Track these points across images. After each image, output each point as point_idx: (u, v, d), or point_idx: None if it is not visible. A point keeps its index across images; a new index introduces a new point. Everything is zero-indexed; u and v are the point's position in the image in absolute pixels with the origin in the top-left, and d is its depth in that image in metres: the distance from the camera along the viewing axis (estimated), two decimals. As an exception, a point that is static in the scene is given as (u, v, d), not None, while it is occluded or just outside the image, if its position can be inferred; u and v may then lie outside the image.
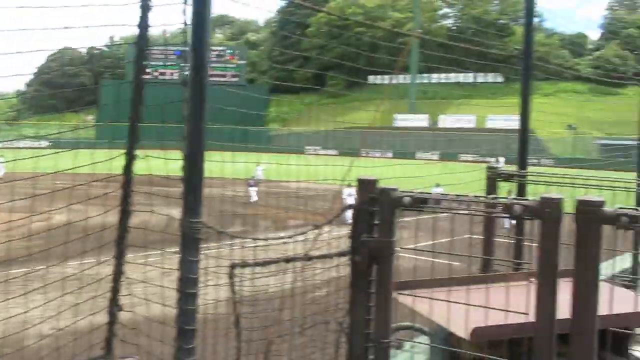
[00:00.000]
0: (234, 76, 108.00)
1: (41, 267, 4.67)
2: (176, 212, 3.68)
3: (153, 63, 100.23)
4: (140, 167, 3.98)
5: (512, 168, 5.83)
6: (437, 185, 29.70)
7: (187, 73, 3.48)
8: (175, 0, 3.53)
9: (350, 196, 32.22)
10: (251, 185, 35.14)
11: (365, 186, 3.48)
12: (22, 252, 4.54)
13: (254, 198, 34.08)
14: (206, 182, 3.86)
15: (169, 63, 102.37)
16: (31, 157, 4.01)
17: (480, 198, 3.28)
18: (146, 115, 3.93)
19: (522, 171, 5.85)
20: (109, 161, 3.95)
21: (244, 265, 3.74)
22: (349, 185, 29.09)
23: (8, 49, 3.89)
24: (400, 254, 3.42)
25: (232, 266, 3.76)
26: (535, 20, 8.89)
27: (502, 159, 62.56)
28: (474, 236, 3.99)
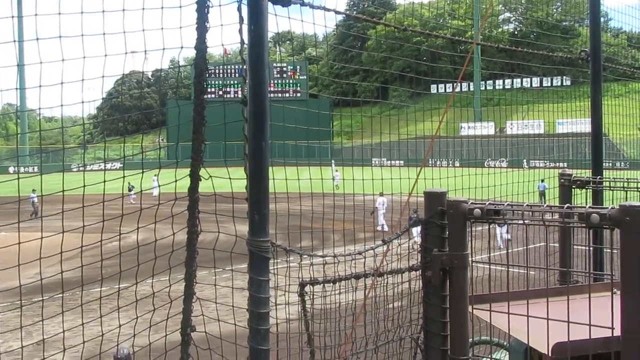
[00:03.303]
0: (296, 92, 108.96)
1: (115, 286, 4.77)
2: (242, 228, 3.70)
3: (216, 82, 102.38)
4: (205, 185, 4.01)
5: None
6: (542, 181, 29.36)
7: (243, 90, 3.48)
8: (232, 19, 3.55)
9: (382, 205, 32.52)
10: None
11: (434, 199, 3.40)
12: (97, 272, 4.64)
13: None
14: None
15: (232, 81, 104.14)
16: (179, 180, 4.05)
17: (555, 207, 3.17)
18: (211, 134, 3.96)
19: (598, 177, 5.63)
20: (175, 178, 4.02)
21: (314, 283, 3.71)
22: (381, 194, 29.72)
23: (78, 76, 3.99)
24: (474, 264, 3.33)
25: (302, 284, 3.73)
26: (601, 20, 8.64)
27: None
28: (550, 244, 3.86)
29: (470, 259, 3.27)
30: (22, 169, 77.39)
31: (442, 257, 3.28)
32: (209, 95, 3.96)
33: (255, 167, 3.32)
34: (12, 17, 3.39)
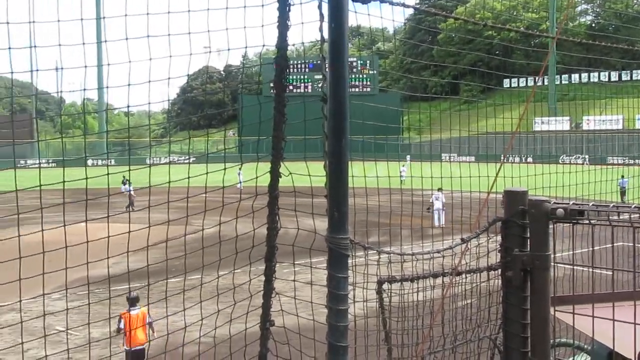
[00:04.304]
0: (365, 86, 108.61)
1: (195, 277, 4.88)
2: (320, 223, 3.73)
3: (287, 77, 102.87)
4: (285, 178, 4.05)
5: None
6: (622, 177, 28.54)
7: (323, 88, 3.48)
8: (312, 17, 3.57)
9: (437, 200, 32.01)
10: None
11: (515, 198, 3.35)
12: (171, 264, 4.77)
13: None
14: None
15: (301, 76, 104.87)
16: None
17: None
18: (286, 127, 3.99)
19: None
20: (255, 173, 4.09)
21: (392, 280, 3.70)
22: (439, 189, 29.32)
23: (156, 75, 4.10)
24: (555, 263, 3.26)
25: (380, 282, 3.73)
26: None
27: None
28: (621, 244, 3.73)
29: (552, 259, 3.20)
30: (99, 162, 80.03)
31: (523, 258, 3.22)
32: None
33: (335, 165, 3.33)
34: (103, 18, 3.51)
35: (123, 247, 4.34)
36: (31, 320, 13.54)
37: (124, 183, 37.46)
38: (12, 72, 3.42)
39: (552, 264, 3.21)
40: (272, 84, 3.93)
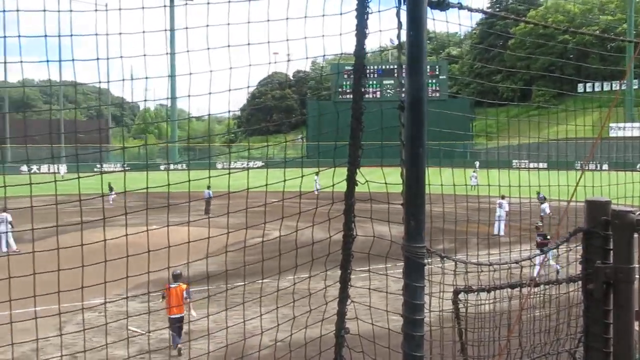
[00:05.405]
0: (435, 91, 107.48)
1: (266, 281, 4.93)
2: (381, 229, 3.70)
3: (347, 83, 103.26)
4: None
5: None
6: None
7: (400, 95, 3.46)
8: (389, 25, 3.56)
9: (501, 207, 31.02)
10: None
11: (596, 208, 3.26)
12: (250, 266, 4.83)
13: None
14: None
15: (371, 82, 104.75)
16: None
17: None
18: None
19: None
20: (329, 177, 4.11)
21: (468, 290, 3.65)
22: (503, 197, 28.57)
23: (225, 81, 4.16)
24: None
25: (456, 292, 3.68)
26: None
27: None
28: None
29: (637, 272, 3.10)
30: (171, 166, 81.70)
31: (606, 270, 3.13)
32: (347, 96, 3.99)
33: (412, 173, 3.30)
34: (186, 28, 3.60)
35: (194, 250, 4.41)
36: (102, 318, 14.02)
37: (110, 190, 37.82)
38: (99, 82, 3.55)
39: (637, 276, 3.11)
40: (339, 89, 3.95)
